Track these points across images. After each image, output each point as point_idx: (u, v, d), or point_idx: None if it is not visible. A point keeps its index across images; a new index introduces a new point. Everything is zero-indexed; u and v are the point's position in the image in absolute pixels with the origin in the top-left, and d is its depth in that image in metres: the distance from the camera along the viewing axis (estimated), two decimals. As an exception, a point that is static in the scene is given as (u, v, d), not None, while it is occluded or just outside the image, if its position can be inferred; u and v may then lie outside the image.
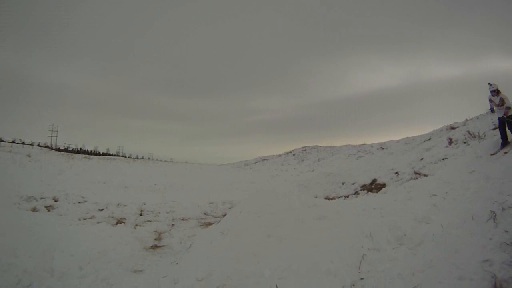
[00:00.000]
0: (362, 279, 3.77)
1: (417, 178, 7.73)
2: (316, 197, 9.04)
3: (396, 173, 8.99)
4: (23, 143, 41.61)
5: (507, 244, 3.23)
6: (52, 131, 50.10)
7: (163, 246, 6.08)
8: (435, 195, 5.49)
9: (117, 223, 7.35)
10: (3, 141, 37.05)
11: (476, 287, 2.91)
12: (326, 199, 8.79)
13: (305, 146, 43.61)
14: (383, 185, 8.51)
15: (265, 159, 45.04)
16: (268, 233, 4.65)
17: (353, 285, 3.71)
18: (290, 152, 44.11)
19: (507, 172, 5.26)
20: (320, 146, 41.19)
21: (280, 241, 4.51)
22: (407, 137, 20.17)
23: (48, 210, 8.23)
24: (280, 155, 44.86)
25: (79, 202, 9.39)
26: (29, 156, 21.67)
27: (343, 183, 11.49)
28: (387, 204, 5.95)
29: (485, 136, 8.58)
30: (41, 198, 9.06)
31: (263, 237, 4.60)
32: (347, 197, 9.02)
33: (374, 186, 9.06)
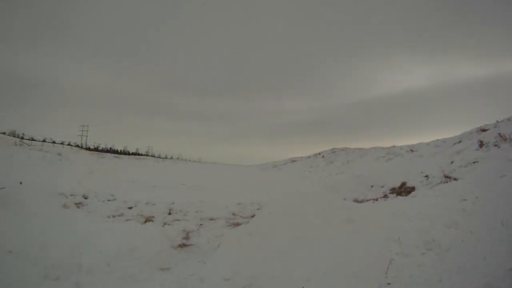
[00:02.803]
0: (389, 284, 3.73)
1: (447, 182, 7.52)
2: (344, 199, 8.96)
3: (425, 176, 8.78)
4: (54, 142, 42.84)
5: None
6: (82, 130, 51.63)
7: (191, 245, 6.16)
8: (465, 199, 5.35)
9: (145, 221, 7.47)
10: (34, 140, 38.19)
11: (504, 295, 2.85)
12: (354, 201, 8.67)
13: (334, 148, 43.30)
14: (413, 189, 8.32)
15: (293, 161, 45.03)
16: (296, 235, 4.69)
17: (380, 289, 3.68)
18: (319, 153, 43.82)
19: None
20: (349, 148, 40.72)
21: (308, 242, 4.54)
22: (437, 140, 19.56)
23: (78, 207, 8.41)
24: (309, 157, 44.64)
25: (108, 200, 9.61)
26: (59, 154, 22.22)
27: (372, 186, 11.33)
28: (416, 208, 5.83)
29: (517, 139, 8.23)
30: (71, 195, 9.28)
31: (291, 238, 4.64)
32: (376, 200, 8.85)
33: (403, 190, 8.89)
